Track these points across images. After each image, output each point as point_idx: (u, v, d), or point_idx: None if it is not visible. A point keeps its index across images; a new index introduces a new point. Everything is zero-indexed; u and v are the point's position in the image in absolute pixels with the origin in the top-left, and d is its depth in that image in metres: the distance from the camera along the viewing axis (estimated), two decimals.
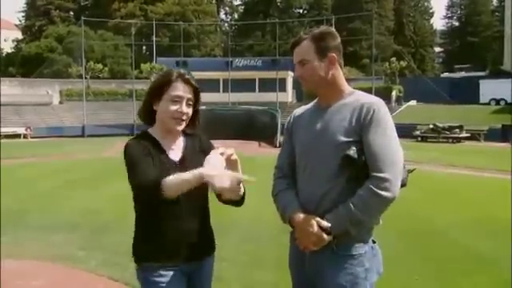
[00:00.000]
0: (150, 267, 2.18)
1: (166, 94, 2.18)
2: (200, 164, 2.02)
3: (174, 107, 2.17)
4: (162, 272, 2.16)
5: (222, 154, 2.03)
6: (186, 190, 2.01)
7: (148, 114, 2.26)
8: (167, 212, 2.13)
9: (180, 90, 2.18)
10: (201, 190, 2.07)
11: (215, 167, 1.96)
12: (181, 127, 2.21)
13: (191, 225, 2.20)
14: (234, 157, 2.08)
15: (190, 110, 2.22)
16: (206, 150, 2.22)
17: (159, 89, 2.20)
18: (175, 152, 2.24)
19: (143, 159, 2.12)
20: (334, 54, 2.20)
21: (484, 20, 64.52)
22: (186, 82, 2.20)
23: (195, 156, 2.23)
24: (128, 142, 2.22)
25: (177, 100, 2.17)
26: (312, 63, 2.20)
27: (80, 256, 5.84)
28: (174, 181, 2.00)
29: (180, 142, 2.28)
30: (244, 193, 2.16)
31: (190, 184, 1.99)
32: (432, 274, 5.19)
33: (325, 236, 2.06)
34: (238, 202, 2.16)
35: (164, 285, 2.16)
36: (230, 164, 2.06)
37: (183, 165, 2.17)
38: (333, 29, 2.29)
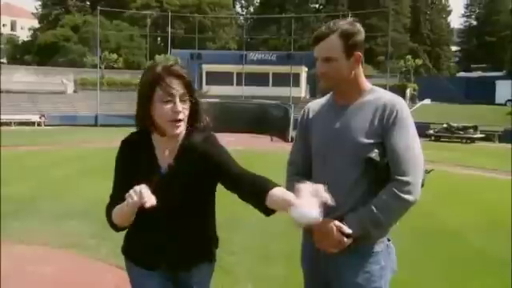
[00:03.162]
0: (130, 263, 2.17)
1: (155, 94, 1.89)
2: (190, 174, 1.94)
3: (166, 107, 1.89)
4: (141, 272, 2.11)
5: (315, 194, 1.64)
6: (129, 214, 1.87)
7: (145, 120, 1.97)
8: (146, 219, 1.91)
9: (169, 85, 1.89)
10: (189, 204, 1.98)
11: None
12: (179, 130, 1.93)
13: (173, 237, 2.04)
14: (329, 201, 1.66)
15: (186, 107, 1.93)
16: (201, 160, 1.97)
17: (147, 89, 1.92)
18: (168, 157, 2.02)
19: (120, 176, 2.06)
20: (359, 53, 2.11)
21: (502, 20, 63.53)
22: (175, 75, 1.91)
23: (187, 165, 2.00)
24: (124, 139, 2.09)
25: (168, 99, 1.89)
26: (339, 61, 2.08)
27: (91, 244, 5.87)
28: (115, 211, 1.95)
29: (176, 147, 2.01)
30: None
31: (123, 210, 1.86)
32: (443, 275, 5.15)
33: (345, 240, 2.03)
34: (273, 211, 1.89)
35: (143, 282, 2.10)
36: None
37: (172, 173, 2.00)
38: (359, 24, 2.15)
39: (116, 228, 2.02)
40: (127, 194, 1.77)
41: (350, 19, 2.18)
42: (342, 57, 2.08)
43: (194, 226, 2.08)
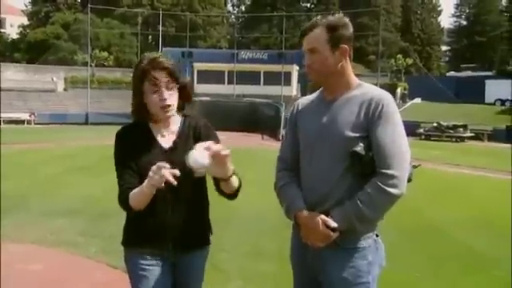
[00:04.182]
0: (133, 253, 2.23)
1: (144, 86, 2.12)
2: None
3: (154, 96, 2.11)
4: (144, 259, 2.19)
5: (207, 148, 1.90)
6: (148, 195, 2.01)
7: (142, 112, 2.18)
8: (151, 203, 2.08)
9: (154, 77, 2.10)
10: (191, 181, 2.05)
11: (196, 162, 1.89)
12: (169, 113, 2.15)
13: (177, 216, 2.17)
14: (224, 152, 1.92)
15: (173, 93, 2.14)
16: (202, 137, 2.16)
17: (138, 83, 2.13)
18: (167, 138, 2.21)
19: (123, 163, 2.16)
20: (346, 46, 2.12)
21: (492, 20, 64.01)
22: (159, 67, 2.11)
23: (188, 142, 2.18)
24: (118, 131, 2.24)
25: (156, 89, 2.10)
26: (322, 53, 2.10)
27: (80, 242, 5.85)
28: (133, 194, 2.07)
29: (175, 128, 2.24)
30: (239, 187, 2.14)
31: (143, 190, 2.00)
32: (432, 272, 5.18)
33: (331, 234, 2.03)
34: (231, 195, 2.15)
35: (145, 272, 2.18)
36: (218, 159, 1.92)
37: (174, 152, 2.16)
38: (347, 19, 2.18)
39: (131, 211, 2.13)
40: (149, 175, 1.93)
41: (339, 14, 2.20)
42: (327, 48, 2.10)
43: (195, 208, 2.24)
